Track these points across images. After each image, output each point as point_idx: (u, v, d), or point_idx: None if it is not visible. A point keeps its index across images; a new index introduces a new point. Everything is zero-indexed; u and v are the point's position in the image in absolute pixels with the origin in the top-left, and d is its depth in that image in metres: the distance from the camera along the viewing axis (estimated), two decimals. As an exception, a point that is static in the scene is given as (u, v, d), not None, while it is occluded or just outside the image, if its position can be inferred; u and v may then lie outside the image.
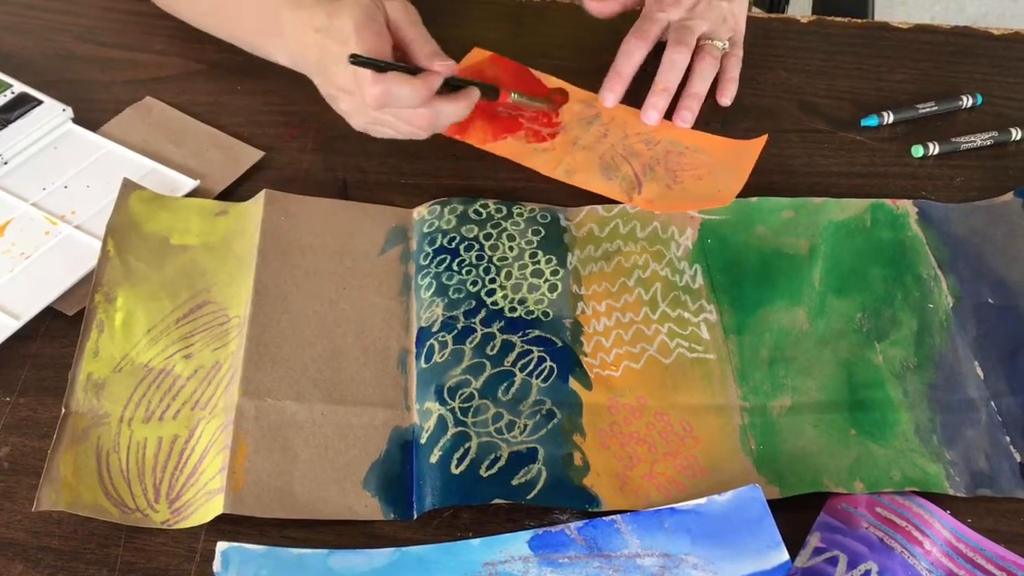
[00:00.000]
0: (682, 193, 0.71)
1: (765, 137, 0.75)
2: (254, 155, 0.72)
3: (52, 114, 0.71)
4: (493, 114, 0.76)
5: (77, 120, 0.72)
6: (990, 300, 0.65)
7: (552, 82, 0.80)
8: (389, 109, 0.66)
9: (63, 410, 0.55)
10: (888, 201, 0.71)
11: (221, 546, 0.50)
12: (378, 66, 0.63)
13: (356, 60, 0.62)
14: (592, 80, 0.79)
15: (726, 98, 0.79)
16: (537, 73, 0.80)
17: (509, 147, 0.74)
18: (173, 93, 0.76)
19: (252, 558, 0.50)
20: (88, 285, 0.62)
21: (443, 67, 0.66)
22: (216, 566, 0.50)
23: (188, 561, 0.51)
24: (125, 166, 0.69)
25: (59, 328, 0.61)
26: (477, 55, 0.81)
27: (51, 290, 0.61)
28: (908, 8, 2.12)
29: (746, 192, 0.71)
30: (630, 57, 0.77)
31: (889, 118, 0.79)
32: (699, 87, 0.77)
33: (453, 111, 0.68)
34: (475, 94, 0.69)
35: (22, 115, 0.71)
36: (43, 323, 0.61)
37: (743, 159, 0.74)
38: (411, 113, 0.66)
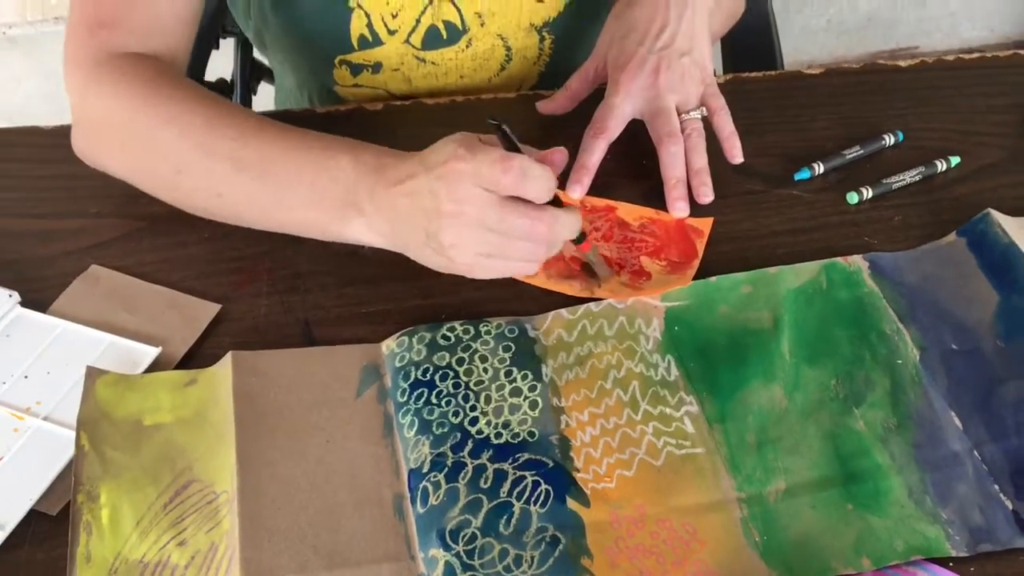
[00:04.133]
0: (642, 280, 0.72)
1: (711, 220, 0.77)
2: (211, 309, 0.71)
3: (-1, 302, 0.70)
4: None
5: (25, 303, 0.71)
6: (954, 346, 0.67)
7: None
8: (506, 228, 0.63)
9: (64, 627, 0.54)
10: (840, 260, 0.72)
11: None
12: (512, 140, 0.62)
13: (496, 121, 0.62)
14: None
15: (736, 157, 0.79)
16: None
17: None
18: (118, 256, 0.75)
19: None
20: (66, 479, 0.60)
21: (562, 155, 0.65)
22: None
23: None
24: (83, 344, 0.68)
25: (45, 530, 0.59)
26: None
27: (31, 492, 0.60)
28: (805, 16, 2.18)
29: (701, 266, 0.73)
30: (592, 152, 0.77)
31: (820, 168, 0.81)
32: (700, 162, 0.78)
33: (569, 222, 0.65)
34: (579, 213, 0.67)
35: (-32, 308, 0.69)
36: (28, 528, 0.59)
37: (692, 237, 0.75)
38: (531, 220, 0.63)
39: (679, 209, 0.77)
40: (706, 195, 0.78)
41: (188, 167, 0.71)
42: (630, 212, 0.78)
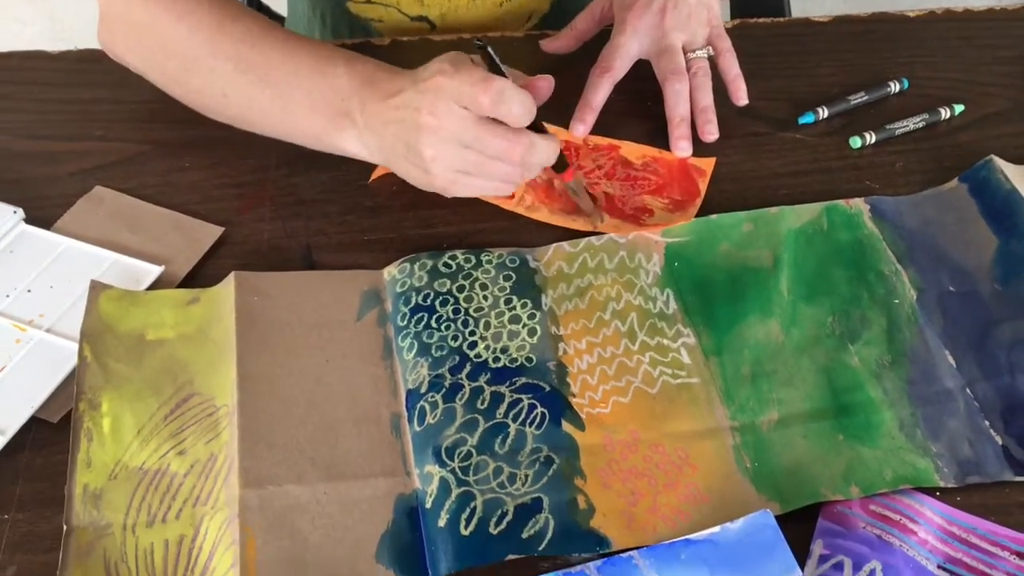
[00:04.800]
0: (645, 216, 0.73)
1: (714, 160, 0.77)
2: (214, 232, 0.72)
3: (3, 218, 0.70)
4: None
5: (29, 220, 0.71)
6: (951, 288, 0.68)
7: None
8: (483, 145, 0.64)
9: (64, 527, 0.55)
10: (841, 202, 0.73)
11: None
12: (496, 63, 0.63)
13: (481, 43, 0.64)
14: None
15: (742, 99, 0.79)
16: None
17: None
18: (122, 179, 0.75)
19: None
20: (68, 389, 0.61)
21: (547, 81, 0.65)
22: None
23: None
24: (86, 261, 0.69)
25: (46, 437, 0.60)
26: None
27: (32, 400, 0.61)
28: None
29: (704, 205, 0.73)
30: (597, 91, 0.78)
31: (824, 113, 0.81)
32: (705, 100, 0.78)
33: (546, 150, 0.66)
34: (558, 141, 0.68)
35: (-28, 223, 0.69)
36: (28, 434, 0.60)
37: (694, 176, 0.76)
38: (508, 142, 0.64)
39: (682, 148, 0.77)
40: (711, 133, 0.78)
41: (195, 65, 0.72)
42: (633, 151, 0.78)
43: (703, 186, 0.76)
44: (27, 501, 0.57)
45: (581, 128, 0.77)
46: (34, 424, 0.60)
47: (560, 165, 0.70)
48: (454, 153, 0.65)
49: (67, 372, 0.62)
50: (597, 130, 0.79)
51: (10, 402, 0.60)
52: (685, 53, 0.79)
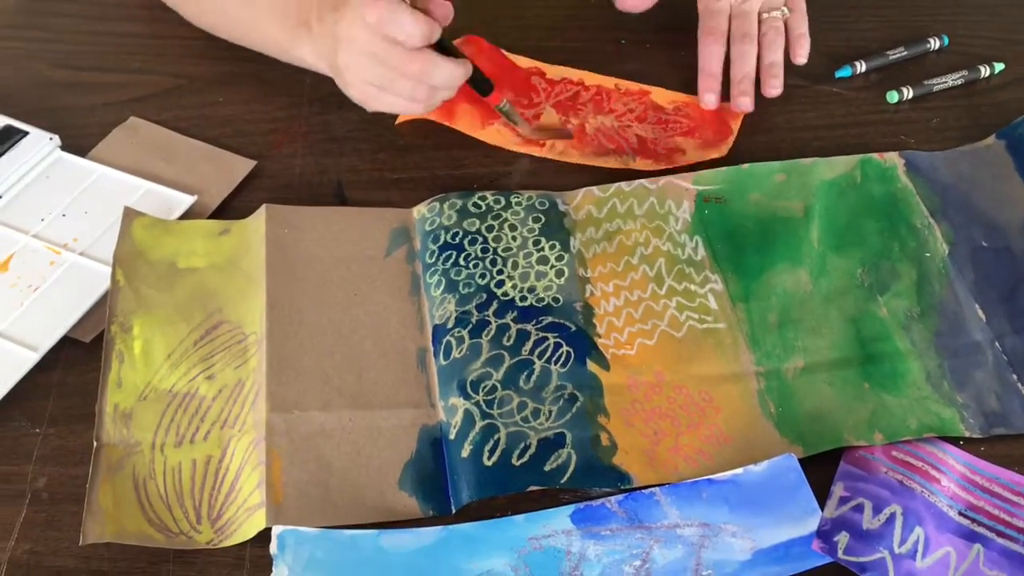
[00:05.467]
0: (678, 156, 0.74)
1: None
2: (247, 165, 0.72)
3: (39, 144, 0.71)
4: (476, 98, 0.76)
5: (65, 147, 0.72)
6: (984, 243, 0.67)
7: (524, 62, 0.81)
8: (385, 58, 0.65)
9: (95, 443, 0.56)
10: (876, 155, 0.72)
11: (276, 529, 0.52)
12: None
13: None
14: (559, 58, 0.80)
15: (801, 57, 0.80)
16: (510, 55, 0.81)
17: (497, 135, 0.75)
18: (157, 110, 0.76)
19: (307, 540, 0.52)
20: (100, 310, 0.62)
21: (444, 9, 0.66)
22: (272, 549, 0.51)
23: (238, 569, 0.52)
24: (119, 189, 0.69)
25: (78, 356, 0.61)
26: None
27: (65, 319, 0.62)
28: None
29: (732, 154, 0.73)
30: (713, 55, 0.78)
31: (862, 67, 0.80)
32: (773, 56, 0.79)
33: (447, 71, 0.67)
34: (468, 66, 0.68)
35: (9, 148, 0.70)
36: (61, 352, 0.61)
37: (726, 119, 0.77)
38: (406, 57, 0.65)
39: (743, 105, 0.77)
40: (775, 87, 0.78)
41: None
42: (663, 96, 0.78)
43: (735, 126, 0.76)
44: (58, 417, 0.58)
45: (712, 98, 0.77)
46: (66, 343, 0.61)
47: (481, 88, 0.71)
48: (365, 65, 0.67)
49: (99, 295, 0.63)
50: (627, 76, 0.79)
51: (43, 321, 0.61)
52: (760, 15, 0.79)
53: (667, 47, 0.82)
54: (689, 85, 0.78)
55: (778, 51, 0.79)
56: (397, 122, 0.76)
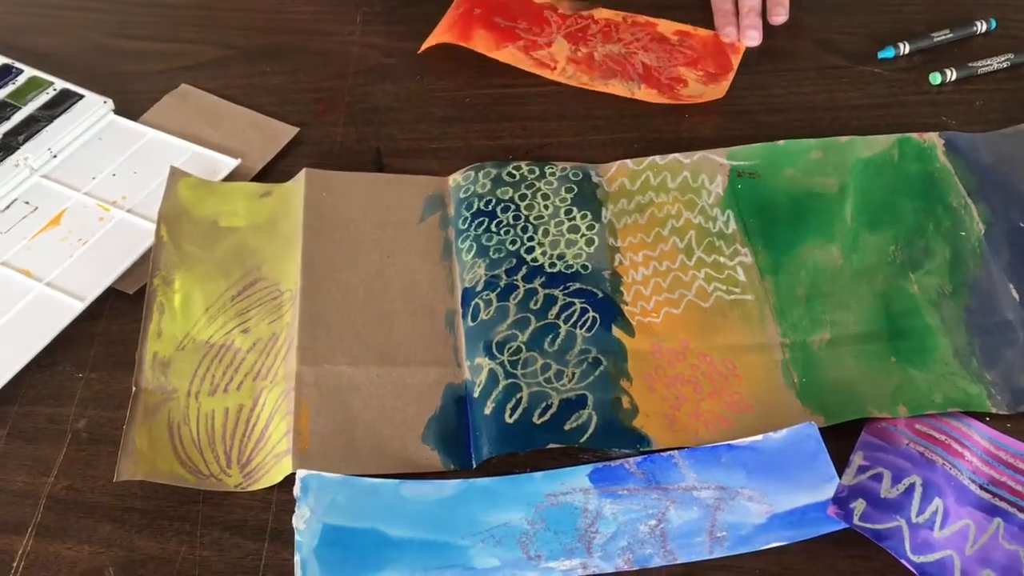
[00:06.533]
0: (679, 87, 0.77)
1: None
2: (289, 132, 0.74)
3: (94, 107, 0.74)
4: (492, 24, 0.81)
5: (118, 111, 0.75)
6: (1022, 224, 0.66)
7: None
8: None
9: (133, 388, 0.58)
10: (915, 135, 0.71)
11: (301, 473, 0.53)
12: None
13: None
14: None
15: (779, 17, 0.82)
16: None
17: (510, 55, 0.80)
18: (207, 79, 0.78)
19: (329, 485, 0.53)
20: (144, 265, 0.64)
21: None
22: (296, 491, 0.53)
23: (265, 511, 0.54)
24: (167, 151, 0.72)
25: (122, 306, 0.63)
26: None
27: (111, 272, 0.64)
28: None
29: (769, 132, 0.73)
30: None
31: (905, 48, 0.79)
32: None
33: None
34: None
35: (66, 110, 0.73)
36: (106, 303, 0.64)
37: (727, 52, 0.80)
38: None
39: (751, 38, 0.80)
40: (780, 15, 0.82)
41: None
42: (669, 27, 0.83)
43: (735, 61, 0.79)
44: (100, 363, 0.61)
45: (733, 31, 0.81)
46: (112, 294, 0.64)
47: None
48: None
49: (144, 249, 0.65)
50: (639, 9, 0.83)
51: (91, 273, 0.64)
52: None
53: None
54: (696, 19, 0.82)
55: None
56: (421, 48, 0.79)
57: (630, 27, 0.82)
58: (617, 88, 0.77)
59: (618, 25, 0.83)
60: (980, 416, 0.57)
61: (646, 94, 0.77)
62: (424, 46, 0.80)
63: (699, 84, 0.77)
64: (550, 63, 0.79)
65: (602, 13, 0.84)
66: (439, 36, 0.81)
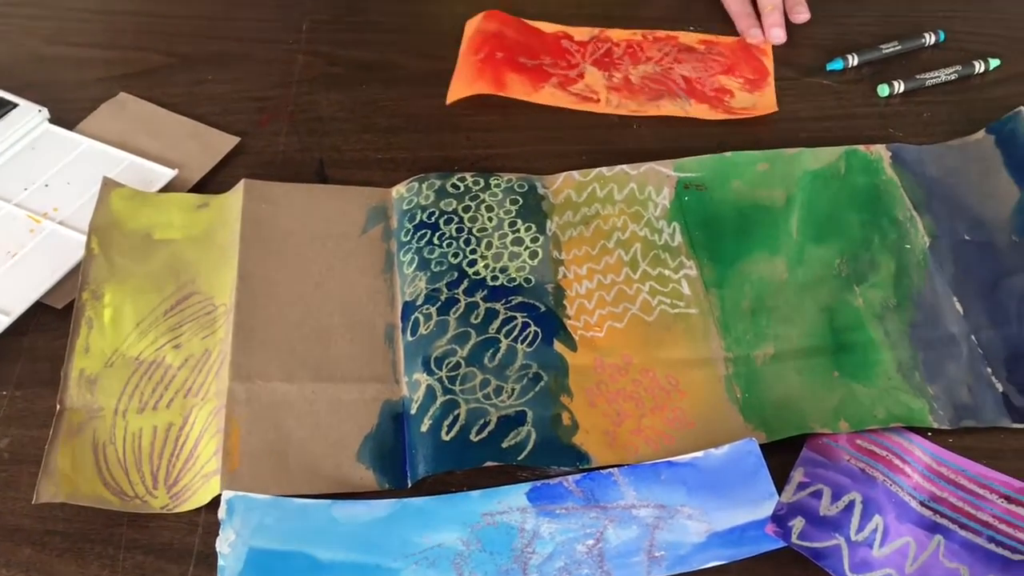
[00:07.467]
0: (727, 98, 0.77)
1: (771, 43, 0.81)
2: (230, 141, 0.72)
3: (28, 116, 0.72)
4: (520, 65, 0.78)
5: (53, 120, 0.73)
6: (967, 237, 0.66)
7: (548, 27, 0.83)
8: None
9: (58, 406, 0.56)
10: (862, 147, 0.71)
11: (226, 494, 0.52)
12: None
13: None
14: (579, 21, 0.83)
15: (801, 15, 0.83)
16: (533, 23, 0.83)
17: (550, 96, 0.77)
18: (146, 87, 0.76)
19: (256, 506, 0.52)
20: (74, 278, 0.62)
21: None
22: (221, 513, 0.51)
23: (191, 534, 0.52)
24: (103, 161, 0.70)
25: (49, 321, 0.62)
26: (474, 23, 0.82)
27: (39, 285, 0.62)
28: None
29: (717, 143, 0.72)
30: None
31: (854, 60, 0.79)
32: None
33: None
34: None
35: (-2, 119, 0.71)
36: (33, 318, 0.62)
37: (757, 55, 0.80)
38: None
39: (776, 36, 0.80)
40: (801, 13, 0.83)
41: None
42: (690, 38, 0.82)
43: (768, 64, 0.79)
44: (25, 380, 0.59)
45: (758, 32, 0.81)
46: (39, 309, 0.62)
47: None
48: None
49: (74, 262, 0.63)
50: (650, 25, 0.83)
51: (18, 287, 0.62)
52: None
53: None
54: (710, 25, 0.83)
55: None
56: (448, 101, 0.76)
57: (653, 43, 0.81)
58: (669, 108, 0.75)
59: (641, 44, 0.81)
60: (922, 431, 0.57)
61: (698, 110, 0.75)
62: (453, 97, 0.76)
63: (744, 93, 0.77)
64: (592, 96, 0.77)
65: (619, 34, 0.82)
66: (471, 87, 0.76)
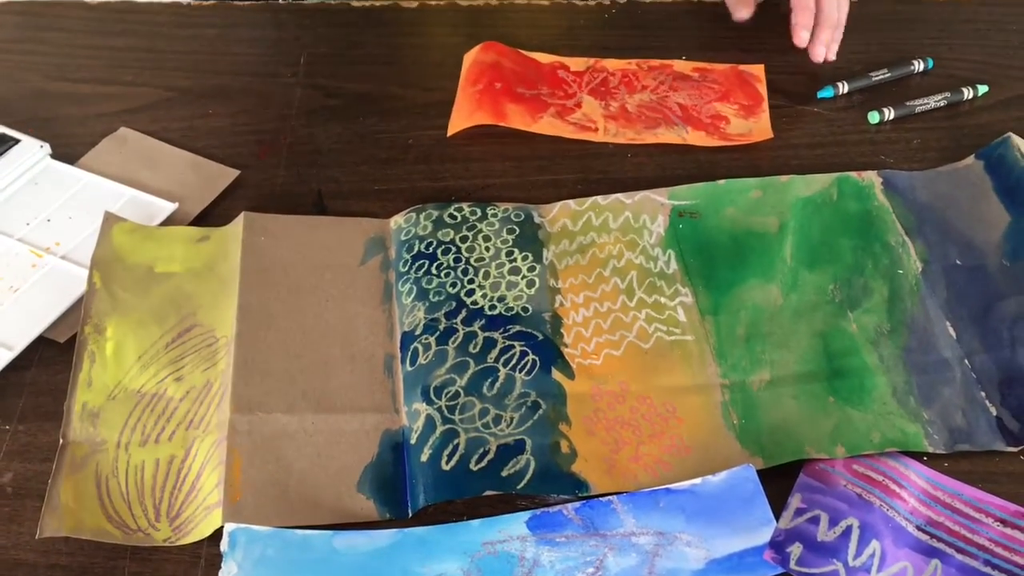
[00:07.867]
0: (723, 125, 0.78)
1: (763, 65, 0.82)
2: (230, 174, 0.73)
3: (30, 151, 0.72)
4: (518, 96, 0.79)
5: (55, 155, 0.73)
6: (958, 262, 0.67)
7: (544, 58, 0.84)
8: None
9: (61, 440, 0.57)
10: (853, 174, 0.72)
11: (228, 527, 0.52)
12: None
13: None
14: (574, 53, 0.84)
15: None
16: (529, 54, 0.84)
17: (549, 125, 0.78)
18: (146, 122, 0.77)
19: (258, 538, 0.52)
20: (77, 312, 0.63)
21: None
22: (223, 546, 0.51)
23: (194, 567, 0.53)
24: (104, 195, 0.71)
25: (52, 356, 0.62)
26: (471, 55, 0.83)
27: (42, 320, 0.63)
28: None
29: (710, 171, 0.73)
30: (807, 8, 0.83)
31: (844, 88, 0.80)
32: (835, 15, 0.83)
33: None
34: None
35: (1, 155, 0.72)
36: (36, 352, 0.62)
37: (751, 82, 0.81)
38: None
39: (802, 38, 0.82)
40: (832, 51, 0.83)
41: None
42: (684, 66, 0.83)
43: (763, 91, 0.80)
44: (29, 414, 0.59)
45: (806, 35, 0.83)
46: (42, 343, 0.62)
47: None
48: None
49: (77, 296, 0.64)
50: (643, 55, 0.84)
51: (21, 321, 0.63)
52: None
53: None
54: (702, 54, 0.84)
55: (844, 10, 0.83)
56: (449, 133, 0.77)
57: (648, 72, 0.82)
58: (667, 136, 0.76)
59: (636, 73, 0.82)
60: (917, 456, 0.57)
61: (696, 138, 0.76)
62: (454, 130, 0.77)
63: (739, 119, 0.78)
64: (590, 124, 0.78)
65: (615, 64, 0.83)
66: (471, 118, 0.77)
